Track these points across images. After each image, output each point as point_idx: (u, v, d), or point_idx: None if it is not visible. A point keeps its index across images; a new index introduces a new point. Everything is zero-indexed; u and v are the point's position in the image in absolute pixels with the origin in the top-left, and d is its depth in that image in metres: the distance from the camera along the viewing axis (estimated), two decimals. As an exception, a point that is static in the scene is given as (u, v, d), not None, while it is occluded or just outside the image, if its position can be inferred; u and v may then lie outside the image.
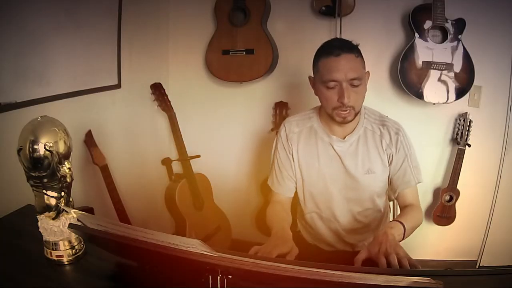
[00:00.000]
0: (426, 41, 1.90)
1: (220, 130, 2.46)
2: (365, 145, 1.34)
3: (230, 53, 2.13)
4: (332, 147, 1.35)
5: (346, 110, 1.24)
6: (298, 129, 1.41)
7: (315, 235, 1.48)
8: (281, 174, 1.42)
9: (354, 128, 1.34)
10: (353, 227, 1.41)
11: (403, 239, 1.17)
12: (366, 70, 1.31)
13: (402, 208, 1.38)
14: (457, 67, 1.90)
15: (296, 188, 1.45)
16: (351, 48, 1.24)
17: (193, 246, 0.70)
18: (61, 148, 0.87)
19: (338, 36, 2.00)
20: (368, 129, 1.35)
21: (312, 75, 1.33)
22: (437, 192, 2.20)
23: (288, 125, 1.42)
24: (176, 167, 2.35)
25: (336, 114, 1.26)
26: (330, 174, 1.36)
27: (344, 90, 1.21)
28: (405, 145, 1.34)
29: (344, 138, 1.34)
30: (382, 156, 1.34)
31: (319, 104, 1.35)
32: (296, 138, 1.40)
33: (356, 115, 1.28)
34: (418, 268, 0.99)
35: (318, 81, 1.28)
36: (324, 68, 1.24)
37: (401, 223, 1.17)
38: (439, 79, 1.92)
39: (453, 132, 2.08)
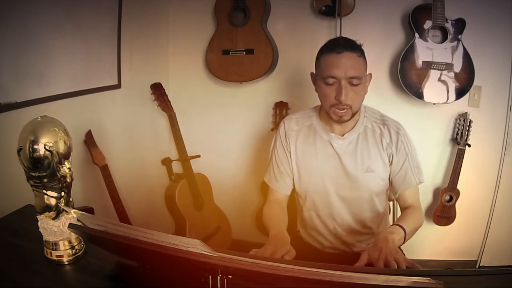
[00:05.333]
0: (426, 41, 1.90)
1: (220, 130, 2.46)
2: (365, 143, 1.34)
3: (230, 53, 2.13)
4: (331, 145, 1.35)
5: (343, 109, 1.24)
6: (297, 127, 1.41)
7: (313, 234, 1.48)
8: (279, 170, 1.42)
9: (354, 126, 1.35)
10: (352, 227, 1.41)
11: (403, 243, 1.17)
12: (368, 72, 1.31)
13: (403, 210, 1.37)
14: (457, 67, 1.90)
15: (294, 186, 1.44)
16: (354, 47, 1.25)
17: (193, 246, 0.70)
18: (61, 148, 0.87)
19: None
20: (368, 128, 1.35)
21: (314, 71, 1.34)
22: (437, 192, 2.20)
23: (287, 122, 1.43)
24: (176, 167, 2.35)
25: (333, 112, 1.27)
26: (328, 172, 1.36)
27: (342, 88, 1.22)
28: (406, 145, 1.33)
29: (343, 135, 1.35)
30: (383, 155, 1.34)
31: (319, 103, 1.35)
32: (294, 135, 1.41)
33: (353, 115, 1.28)
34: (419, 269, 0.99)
35: (319, 77, 1.29)
36: (325, 64, 1.26)
37: (401, 227, 1.17)
38: (439, 79, 1.92)
39: (453, 132, 2.08)
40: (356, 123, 1.35)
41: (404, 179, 1.34)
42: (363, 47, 1.29)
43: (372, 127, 1.35)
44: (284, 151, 1.41)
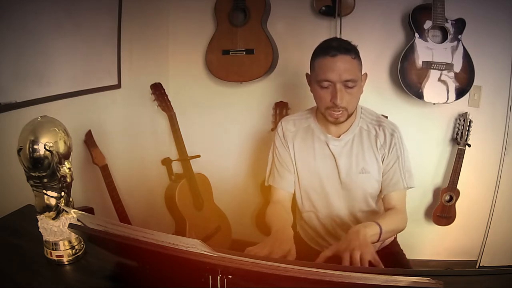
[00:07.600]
0: (426, 41, 1.90)
1: (220, 130, 2.46)
2: (360, 145, 1.34)
3: (230, 53, 2.13)
4: (328, 146, 1.36)
5: (339, 111, 1.25)
6: (294, 129, 1.41)
7: (313, 235, 1.48)
8: (282, 168, 1.42)
9: (349, 127, 1.35)
10: (350, 227, 1.40)
11: (378, 240, 1.16)
12: (364, 72, 1.31)
13: (386, 211, 1.37)
14: (457, 67, 1.90)
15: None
16: (349, 49, 1.23)
17: (193, 246, 0.70)
18: (61, 148, 0.87)
19: (338, 36, 2.00)
20: (363, 129, 1.35)
21: (309, 72, 1.33)
22: (437, 192, 2.20)
23: (285, 123, 1.43)
24: (176, 167, 2.35)
25: (329, 114, 1.27)
26: (325, 173, 1.37)
27: (338, 91, 1.21)
28: (398, 147, 1.33)
29: (339, 137, 1.35)
30: (377, 156, 1.34)
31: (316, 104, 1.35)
32: (292, 137, 1.41)
33: (349, 116, 1.28)
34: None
35: (313, 79, 1.29)
36: (319, 68, 1.25)
37: (377, 223, 1.16)
38: (439, 79, 1.92)
39: (453, 132, 2.08)
40: (351, 124, 1.35)
41: (391, 180, 1.34)
42: (362, 47, 1.28)
43: (368, 128, 1.35)
44: (284, 148, 1.42)
